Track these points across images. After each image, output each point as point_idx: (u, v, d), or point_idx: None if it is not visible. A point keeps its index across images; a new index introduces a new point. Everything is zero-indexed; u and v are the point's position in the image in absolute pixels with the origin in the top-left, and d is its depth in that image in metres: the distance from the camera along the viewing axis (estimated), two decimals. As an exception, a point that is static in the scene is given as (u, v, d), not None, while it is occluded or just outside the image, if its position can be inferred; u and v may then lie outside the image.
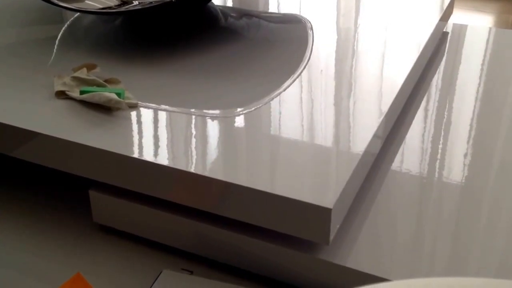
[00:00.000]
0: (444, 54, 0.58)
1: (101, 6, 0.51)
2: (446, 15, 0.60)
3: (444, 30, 0.64)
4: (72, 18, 0.58)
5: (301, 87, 0.45)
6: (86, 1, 0.51)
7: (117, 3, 0.52)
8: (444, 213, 0.38)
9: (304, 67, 0.48)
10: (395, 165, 0.43)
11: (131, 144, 0.37)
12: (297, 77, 0.46)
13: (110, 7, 0.51)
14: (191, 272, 0.37)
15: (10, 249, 0.39)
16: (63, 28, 0.56)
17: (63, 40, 0.53)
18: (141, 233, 0.39)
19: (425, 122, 0.48)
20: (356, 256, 0.34)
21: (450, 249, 0.35)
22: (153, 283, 0.36)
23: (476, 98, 0.51)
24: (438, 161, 0.43)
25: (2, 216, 0.42)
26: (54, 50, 0.51)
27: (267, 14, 0.60)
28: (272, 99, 0.43)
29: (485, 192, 0.40)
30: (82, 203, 0.43)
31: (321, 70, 0.47)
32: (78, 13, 0.59)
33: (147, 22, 0.57)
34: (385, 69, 0.47)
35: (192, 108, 0.42)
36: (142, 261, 0.38)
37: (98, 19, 0.57)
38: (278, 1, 0.62)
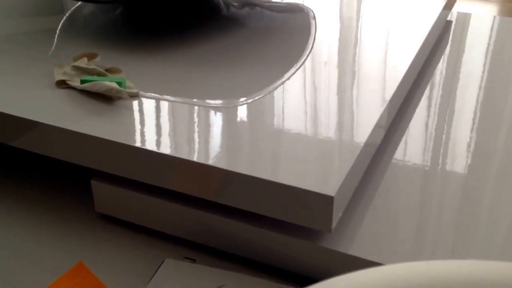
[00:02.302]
0: (448, 43, 0.58)
1: None
2: (449, 4, 0.60)
3: (448, 18, 0.63)
4: (72, 8, 0.58)
5: (304, 76, 0.44)
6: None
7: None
8: (447, 202, 0.38)
9: (307, 56, 0.47)
10: (398, 154, 0.42)
11: (132, 133, 0.37)
12: (300, 66, 0.46)
13: None
14: (194, 261, 0.37)
15: (12, 238, 0.39)
16: (64, 18, 0.55)
17: (64, 29, 0.53)
18: (143, 222, 0.39)
19: (428, 111, 0.47)
20: (358, 243, 0.34)
21: (452, 238, 0.35)
22: (156, 271, 0.36)
23: (480, 87, 0.51)
24: (441, 150, 0.43)
25: (4, 205, 0.42)
26: (55, 40, 0.50)
27: (269, 3, 0.59)
28: (275, 88, 0.43)
29: (488, 182, 0.40)
30: (84, 193, 0.43)
31: (325, 62, 0.46)
32: (79, 3, 0.58)
33: (148, 11, 0.57)
34: (388, 58, 0.47)
35: (194, 98, 0.41)
36: (144, 250, 0.38)
37: (99, 9, 0.57)
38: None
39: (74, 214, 0.41)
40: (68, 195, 0.43)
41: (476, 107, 0.48)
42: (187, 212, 0.37)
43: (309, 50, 0.49)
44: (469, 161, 0.41)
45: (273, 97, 0.41)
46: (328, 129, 0.38)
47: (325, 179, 0.33)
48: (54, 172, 0.46)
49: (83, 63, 0.43)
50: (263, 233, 0.35)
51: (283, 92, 0.42)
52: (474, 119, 0.46)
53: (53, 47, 0.49)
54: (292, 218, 0.33)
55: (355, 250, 0.34)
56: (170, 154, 0.35)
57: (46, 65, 0.46)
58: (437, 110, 0.47)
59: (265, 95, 0.42)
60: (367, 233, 0.35)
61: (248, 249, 0.36)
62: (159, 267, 0.36)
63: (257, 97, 0.41)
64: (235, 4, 0.59)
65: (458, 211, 0.37)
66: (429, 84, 0.51)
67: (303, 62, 0.46)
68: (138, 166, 0.37)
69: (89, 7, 0.58)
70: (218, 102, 0.41)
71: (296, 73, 0.45)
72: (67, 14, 0.56)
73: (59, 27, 0.53)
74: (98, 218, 0.41)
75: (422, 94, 0.50)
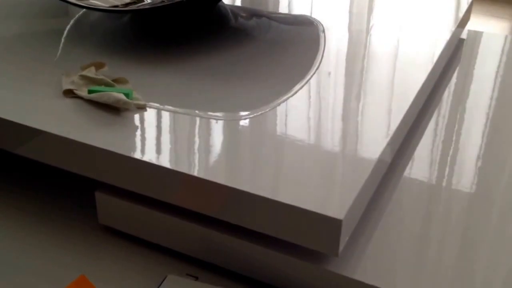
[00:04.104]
0: (459, 61, 0.57)
1: (107, 6, 0.50)
2: (463, 22, 0.59)
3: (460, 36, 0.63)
4: (79, 13, 0.57)
5: (312, 92, 0.44)
6: (89, 0, 0.50)
7: (125, 1, 0.51)
8: (455, 227, 0.37)
9: (315, 71, 0.47)
10: (407, 175, 0.42)
11: (138, 146, 0.37)
12: (307, 81, 0.45)
13: (116, 6, 0.50)
14: (196, 278, 0.37)
15: (15, 250, 0.39)
16: (70, 24, 0.55)
17: (70, 35, 0.52)
18: (146, 237, 0.39)
19: (438, 131, 0.47)
20: (364, 268, 0.34)
21: (459, 264, 0.34)
22: (158, 287, 0.35)
23: (490, 106, 0.50)
24: (451, 172, 0.42)
25: (7, 216, 0.42)
26: (61, 46, 0.50)
27: (278, 15, 0.59)
28: (283, 102, 0.42)
29: (496, 206, 0.39)
30: (88, 204, 0.42)
31: (329, 73, 0.46)
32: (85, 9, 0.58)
33: (155, 20, 0.56)
34: (400, 77, 0.46)
35: (201, 111, 0.41)
36: (147, 264, 0.38)
37: (106, 15, 0.57)
38: (289, 2, 0.62)
39: (77, 225, 0.41)
40: (72, 206, 0.43)
41: (485, 127, 0.47)
42: (190, 227, 0.37)
43: (317, 65, 0.48)
44: (479, 185, 0.41)
45: (282, 111, 0.41)
46: (337, 149, 0.37)
47: (333, 201, 0.32)
48: (58, 183, 0.45)
49: (91, 72, 0.43)
50: (266, 252, 0.35)
51: (290, 108, 0.42)
52: (484, 140, 0.46)
53: (58, 53, 0.49)
54: (296, 239, 0.33)
55: (360, 275, 0.33)
56: (173, 168, 0.35)
57: (53, 72, 0.45)
58: (447, 130, 0.47)
59: (271, 109, 0.41)
60: (372, 257, 0.34)
61: (251, 268, 0.36)
62: (161, 283, 0.36)
63: (268, 110, 0.41)
64: (244, 14, 0.59)
65: (467, 236, 0.36)
66: (439, 104, 0.51)
67: (311, 77, 0.46)
68: (142, 179, 0.36)
69: (96, 12, 0.57)
70: (227, 115, 0.41)
71: (303, 88, 0.44)
72: (73, 20, 0.56)
73: (65, 32, 0.53)
74: (101, 230, 0.40)
75: (432, 114, 0.49)
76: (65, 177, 0.45)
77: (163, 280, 0.36)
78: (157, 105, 0.42)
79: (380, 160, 0.37)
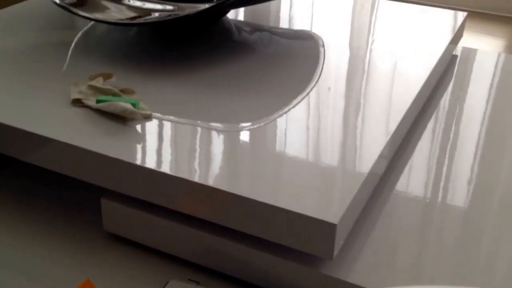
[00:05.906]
0: (452, 77, 0.59)
1: (112, 20, 0.51)
2: (456, 39, 0.61)
3: (454, 53, 0.64)
4: (87, 26, 0.59)
5: (310, 105, 0.45)
6: (96, 14, 0.52)
7: (131, 15, 0.53)
8: (446, 233, 0.39)
9: (314, 85, 0.48)
10: (400, 184, 0.43)
11: (143, 154, 0.38)
12: (306, 95, 0.47)
13: (121, 20, 0.52)
14: (198, 283, 0.38)
15: (20, 255, 0.40)
16: (78, 36, 0.57)
17: (78, 47, 0.54)
18: (150, 243, 0.40)
19: (431, 144, 0.48)
20: (358, 271, 0.35)
21: (451, 268, 0.36)
22: (160, 291, 0.36)
23: (482, 123, 0.51)
24: (442, 183, 0.44)
25: (13, 221, 0.43)
26: (69, 57, 0.52)
27: (280, 30, 0.60)
28: (283, 114, 0.44)
29: (487, 216, 0.40)
30: (93, 211, 0.44)
31: (329, 88, 0.47)
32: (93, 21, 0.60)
33: (162, 33, 0.58)
34: (394, 90, 0.48)
35: (204, 121, 0.43)
36: (150, 270, 0.39)
37: (113, 28, 0.58)
38: (291, 17, 0.63)
39: (82, 232, 0.42)
40: (77, 213, 0.44)
41: (477, 143, 0.49)
42: (193, 233, 0.38)
43: (316, 78, 0.50)
44: (469, 195, 0.42)
45: (280, 123, 0.42)
46: (333, 157, 0.39)
47: (328, 206, 0.34)
48: (64, 189, 0.46)
49: (98, 82, 0.45)
50: (264, 257, 0.36)
51: (289, 120, 0.43)
52: (475, 154, 0.47)
53: (66, 64, 0.50)
54: (293, 243, 0.34)
55: (354, 278, 0.34)
56: (175, 175, 0.36)
57: (62, 82, 0.47)
58: (439, 144, 0.48)
59: (271, 121, 0.43)
60: (367, 261, 0.36)
61: (251, 272, 0.37)
62: None
63: (269, 121, 0.42)
64: (247, 29, 0.60)
65: (457, 241, 0.38)
66: (433, 117, 0.52)
67: (310, 91, 0.47)
68: (146, 186, 0.37)
69: (103, 25, 0.59)
70: (229, 126, 0.42)
71: (303, 101, 0.46)
72: (81, 32, 0.58)
73: (73, 44, 0.54)
74: (106, 236, 0.41)
75: (425, 127, 0.51)
76: (72, 184, 0.47)
77: (165, 285, 0.37)
78: (162, 115, 0.43)
79: (374, 169, 0.38)
